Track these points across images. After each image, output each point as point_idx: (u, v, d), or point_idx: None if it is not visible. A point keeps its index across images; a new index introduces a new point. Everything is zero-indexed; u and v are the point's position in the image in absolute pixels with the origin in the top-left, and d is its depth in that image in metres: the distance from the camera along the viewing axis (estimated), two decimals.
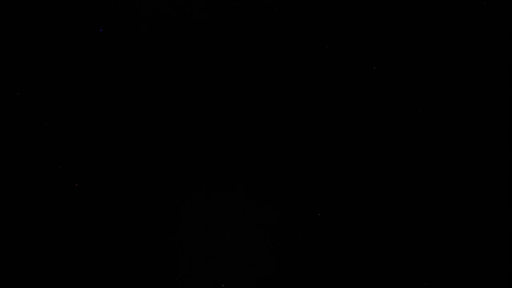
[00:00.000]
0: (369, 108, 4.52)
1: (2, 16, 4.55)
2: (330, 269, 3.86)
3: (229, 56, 4.65)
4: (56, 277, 3.48)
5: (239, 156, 4.56)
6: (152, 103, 4.56)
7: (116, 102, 4.48)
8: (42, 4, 4.56)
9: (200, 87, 4.48)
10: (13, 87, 4.35)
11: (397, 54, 4.74)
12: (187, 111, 4.58)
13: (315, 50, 4.58)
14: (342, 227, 4.00)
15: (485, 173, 4.14)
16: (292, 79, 4.37)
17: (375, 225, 4.02)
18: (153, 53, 4.49)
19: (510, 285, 3.81)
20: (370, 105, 4.53)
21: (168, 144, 4.53)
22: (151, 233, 3.78)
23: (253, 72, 4.46)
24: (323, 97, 4.37)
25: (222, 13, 4.41)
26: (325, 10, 4.47)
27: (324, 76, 4.41)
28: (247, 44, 4.43)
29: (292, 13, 4.40)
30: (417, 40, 4.74)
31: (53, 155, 4.29)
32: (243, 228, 4.03)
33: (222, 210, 4.01)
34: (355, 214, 4.08)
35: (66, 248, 3.70)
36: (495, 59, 4.53)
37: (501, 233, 4.00)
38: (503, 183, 4.13)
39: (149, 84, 4.53)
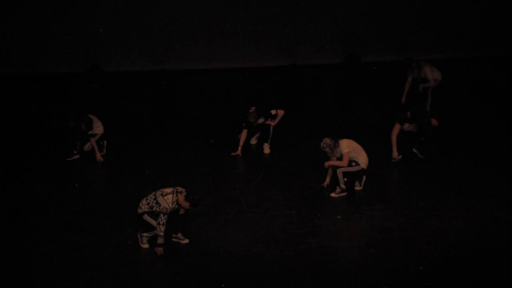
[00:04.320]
0: (369, 108, 4.53)
1: (0, 15, 4.55)
2: (331, 269, 3.84)
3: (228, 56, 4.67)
4: (56, 277, 3.43)
5: (239, 156, 4.54)
6: (152, 103, 4.57)
7: (116, 102, 4.47)
8: (42, 4, 4.56)
9: (200, 87, 4.48)
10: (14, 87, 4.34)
11: (397, 54, 4.76)
12: (187, 111, 4.58)
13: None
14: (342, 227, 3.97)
15: (486, 172, 4.15)
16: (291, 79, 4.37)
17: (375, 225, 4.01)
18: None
19: None
20: (370, 105, 4.55)
21: (168, 144, 4.50)
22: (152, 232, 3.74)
23: (252, 72, 4.47)
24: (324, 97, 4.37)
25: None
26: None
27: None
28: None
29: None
30: (416, 40, 4.77)
31: (55, 155, 4.27)
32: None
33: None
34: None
35: (66, 247, 3.67)
36: (495, 59, 4.56)
37: None
38: (503, 181, 4.12)
39: (149, 84, 4.53)
